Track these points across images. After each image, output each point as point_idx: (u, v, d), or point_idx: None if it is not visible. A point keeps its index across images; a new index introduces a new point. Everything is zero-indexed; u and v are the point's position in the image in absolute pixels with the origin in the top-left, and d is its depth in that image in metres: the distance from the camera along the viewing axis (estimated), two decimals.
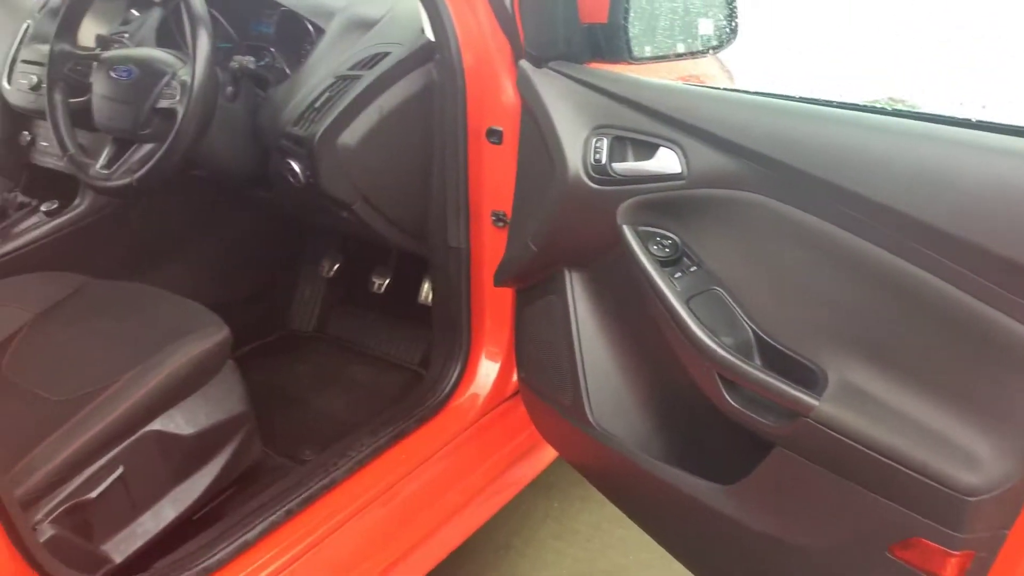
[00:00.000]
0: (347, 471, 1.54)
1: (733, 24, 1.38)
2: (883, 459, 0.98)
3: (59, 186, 1.94)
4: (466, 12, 1.55)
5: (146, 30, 1.90)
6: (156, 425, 1.42)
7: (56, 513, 1.27)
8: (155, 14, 1.92)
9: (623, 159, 1.25)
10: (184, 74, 1.58)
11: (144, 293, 1.69)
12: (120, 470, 1.36)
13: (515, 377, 1.72)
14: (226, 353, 1.55)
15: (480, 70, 1.57)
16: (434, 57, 1.59)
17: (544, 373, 1.52)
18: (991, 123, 0.96)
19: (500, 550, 2.02)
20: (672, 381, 1.28)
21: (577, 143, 1.30)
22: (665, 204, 1.22)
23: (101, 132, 1.70)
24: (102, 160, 1.67)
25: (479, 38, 1.56)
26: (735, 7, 1.37)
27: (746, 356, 1.11)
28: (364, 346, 2.22)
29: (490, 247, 1.68)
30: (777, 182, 1.08)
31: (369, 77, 1.60)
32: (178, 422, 1.45)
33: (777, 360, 1.11)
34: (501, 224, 1.64)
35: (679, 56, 1.44)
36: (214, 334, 1.52)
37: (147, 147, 1.65)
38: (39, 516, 1.26)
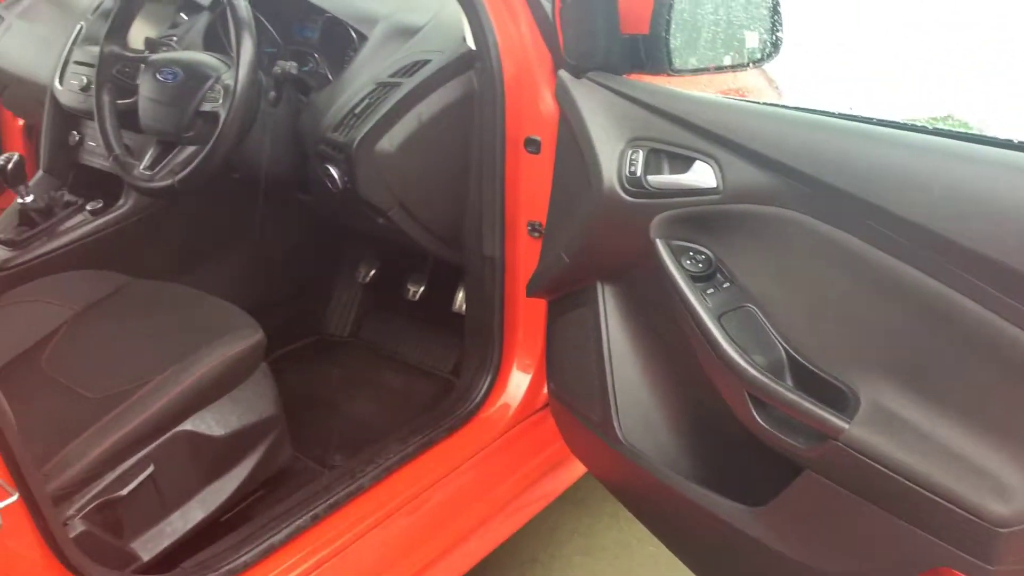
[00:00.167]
0: (374, 478, 1.54)
1: (776, 37, 1.36)
2: (913, 486, 0.95)
3: (105, 186, 1.97)
4: (508, 21, 1.54)
5: (194, 34, 1.94)
6: (188, 425, 1.43)
7: (87, 509, 1.29)
8: (203, 18, 1.96)
9: (658, 172, 1.24)
10: (228, 78, 1.60)
11: (182, 294, 1.71)
12: (151, 469, 1.38)
13: (546, 389, 1.70)
14: (260, 356, 1.56)
15: (520, 79, 1.56)
16: (474, 65, 1.59)
17: (574, 386, 1.50)
18: None
19: (525, 564, 2.00)
20: (702, 399, 1.25)
21: (613, 155, 1.28)
22: (699, 219, 1.20)
23: (146, 134, 1.72)
24: (146, 161, 1.70)
25: (520, 47, 1.55)
26: (779, 21, 1.35)
27: (777, 376, 1.09)
28: (397, 353, 2.22)
29: (525, 257, 1.67)
30: (813, 199, 1.06)
31: (409, 84, 1.60)
32: (209, 423, 1.46)
33: (809, 381, 1.08)
34: (537, 234, 1.63)
35: (720, 69, 1.42)
36: (248, 337, 1.53)
37: (189, 149, 1.68)
38: (71, 512, 1.27)
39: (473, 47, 1.58)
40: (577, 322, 1.47)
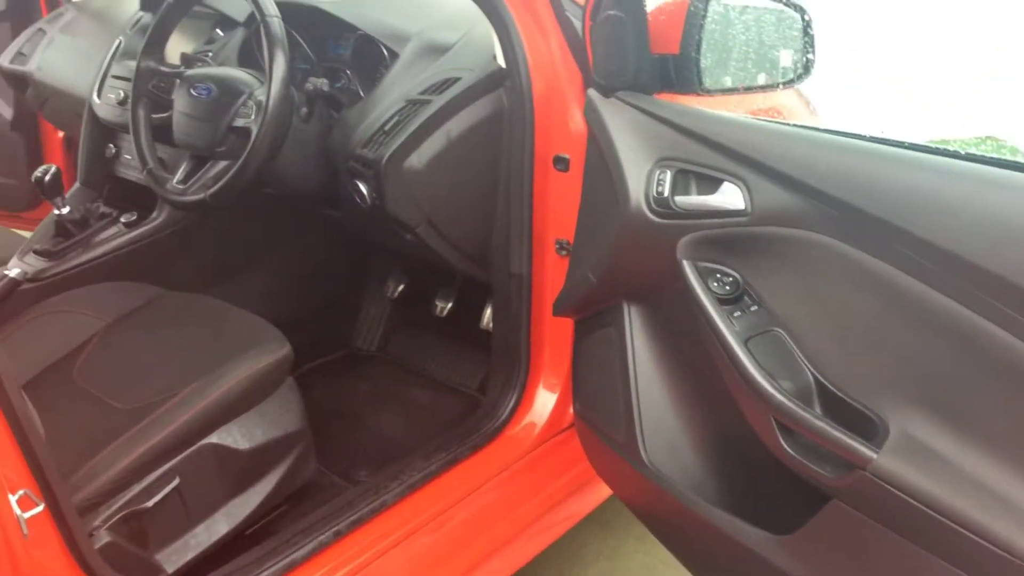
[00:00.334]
0: (397, 495, 1.54)
1: (808, 59, 1.34)
2: (944, 520, 0.92)
3: (139, 198, 2.00)
4: (538, 40, 1.55)
5: (229, 50, 1.97)
6: (214, 438, 1.44)
7: (113, 520, 1.30)
8: (238, 35, 1.99)
9: (686, 193, 1.23)
10: (260, 94, 1.62)
11: (212, 307, 1.73)
12: (176, 481, 1.39)
13: (572, 408, 1.69)
14: (286, 370, 1.57)
15: (549, 97, 1.56)
16: (504, 83, 1.60)
17: (599, 407, 1.49)
18: None
19: None
20: (728, 423, 1.24)
21: (640, 175, 1.28)
22: (727, 240, 1.19)
23: (180, 148, 1.75)
24: (179, 175, 1.72)
25: (550, 65, 1.55)
26: (811, 42, 1.33)
27: (805, 402, 1.07)
28: (424, 368, 2.22)
29: (552, 275, 1.66)
30: (843, 223, 1.04)
31: (439, 102, 1.61)
32: (235, 436, 1.47)
33: (837, 408, 1.06)
34: (564, 252, 1.62)
35: (749, 89, 1.41)
36: (276, 351, 1.54)
37: (222, 164, 1.70)
38: (97, 522, 1.29)
39: (503, 65, 1.58)
40: (603, 342, 1.46)
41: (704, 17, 1.32)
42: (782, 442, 1.08)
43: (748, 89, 1.40)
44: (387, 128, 1.63)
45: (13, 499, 0.96)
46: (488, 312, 2.05)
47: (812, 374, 1.09)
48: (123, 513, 1.32)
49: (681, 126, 1.25)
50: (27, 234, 2.12)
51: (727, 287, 1.17)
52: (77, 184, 2.11)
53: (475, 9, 1.56)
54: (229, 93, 1.64)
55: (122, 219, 1.97)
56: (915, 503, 0.94)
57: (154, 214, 1.97)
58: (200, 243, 2.03)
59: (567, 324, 1.64)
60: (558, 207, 1.61)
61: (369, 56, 1.86)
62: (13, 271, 1.80)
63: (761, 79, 1.42)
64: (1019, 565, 0.88)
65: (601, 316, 1.45)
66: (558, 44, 1.54)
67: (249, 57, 1.93)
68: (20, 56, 2.38)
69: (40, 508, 1.00)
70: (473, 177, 1.67)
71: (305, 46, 1.93)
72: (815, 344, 1.10)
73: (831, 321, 1.09)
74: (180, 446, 1.40)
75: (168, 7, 1.74)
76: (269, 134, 1.57)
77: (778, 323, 1.14)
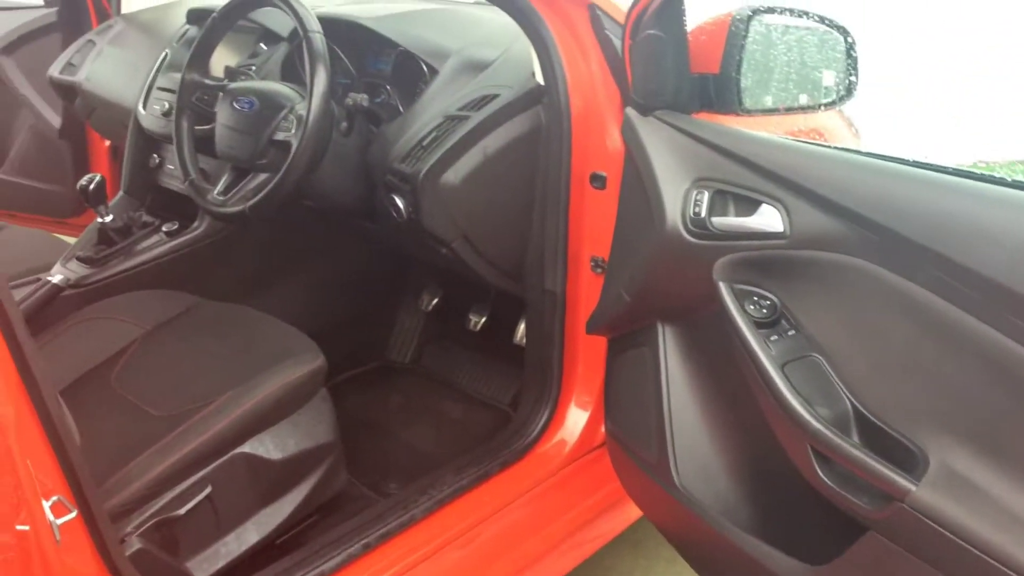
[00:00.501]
0: (427, 509, 1.54)
1: (851, 81, 1.33)
2: (983, 555, 0.90)
3: (181, 208, 2.03)
4: (577, 58, 1.55)
5: (272, 64, 1.99)
6: (246, 448, 1.45)
7: (144, 527, 1.31)
8: (282, 49, 2.01)
9: (723, 214, 1.22)
10: (301, 108, 1.64)
11: (249, 316, 1.75)
12: (209, 489, 1.40)
13: (604, 427, 1.68)
14: (320, 381, 1.57)
15: (587, 115, 1.56)
16: (542, 100, 1.60)
17: (631, 427, 1.48)
18: None
19: None
20: (763, 448, 1.22)
21: (677, 195, 1.27)
22: (765, 263, 1.17)
23: (221, 159, 1.77)
24: (219, 187, 1.74)
25: (588, 83, 1.55)
26: (854, 64, 1.32)
27: (842, 430, 1.05)
28: (457, 382, 2.23)
29: (587, 293, 1.66)
30: (884, 248, 1.02)
31: (477, 118, 1.61)
32: (268, 446, 1.48)
33: (875, 437, 1.04)
34: (600, 270, 1.62)
35: (790, 110, 1.39)
36: (310, 362, 1.55)
37: (262, 176, 1.72)
38: (128, 528, 1.30)
39: (542, 82, 1.58)
40: (636, 362, 1.44)
41: (745, 37, 1.31)
42: (818, 471, 1.06)
43: (789, 110, 1.39)
44: (425, 143, 1.63)
45: (47, 505, 0.98)
46: (521, 327, 2.04)
47: (850, 402, 1.07)
48: (155, 520, 1.33)
49: (720, 146, 1.24)
50: (71, 240, 2.16)
51: (764, 310, 1.15)
52: (121, 193, 2.15)
53: (515, 27, 1.56)
54: (271, 107, 1.66)
55: (164, 228, 2.00)
56: (954, 538, 0.92)
57: (195, 224, 1.99)
58: (239, 253, 2.05)
59: (600, 341, 1.63)
60: (594, 225, 1.61)
61: (409, 72, 1.87)
62: (56, 277, 1.84)
63: (802, 100, 1.40)
64: None
65: (635, 335, 1.44)
66: (597, 62, 1.54)
67: (291, 71, 1.95)
68: (70, 67, 2.43)
69: (73, 515, 1.01)
70: (509, 193, 1.67)
71: (346, 61, 1.95)
72: (853, 371, 1.08)
73: (870, 348, 1.07)
74: (213, 455, 1.41)
75: (214, 21, 1.77)
76: (309, 148, 1.59)
77: (816, 348, 1.12)
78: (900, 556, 0.99)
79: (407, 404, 2.19)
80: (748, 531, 1.26)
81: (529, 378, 1.79)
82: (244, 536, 1.46)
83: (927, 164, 1.04)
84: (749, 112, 1.34)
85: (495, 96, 1.63)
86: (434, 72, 1.79)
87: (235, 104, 1.70)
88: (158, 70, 2.12)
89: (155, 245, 1.97)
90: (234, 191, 1.73)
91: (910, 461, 0.99)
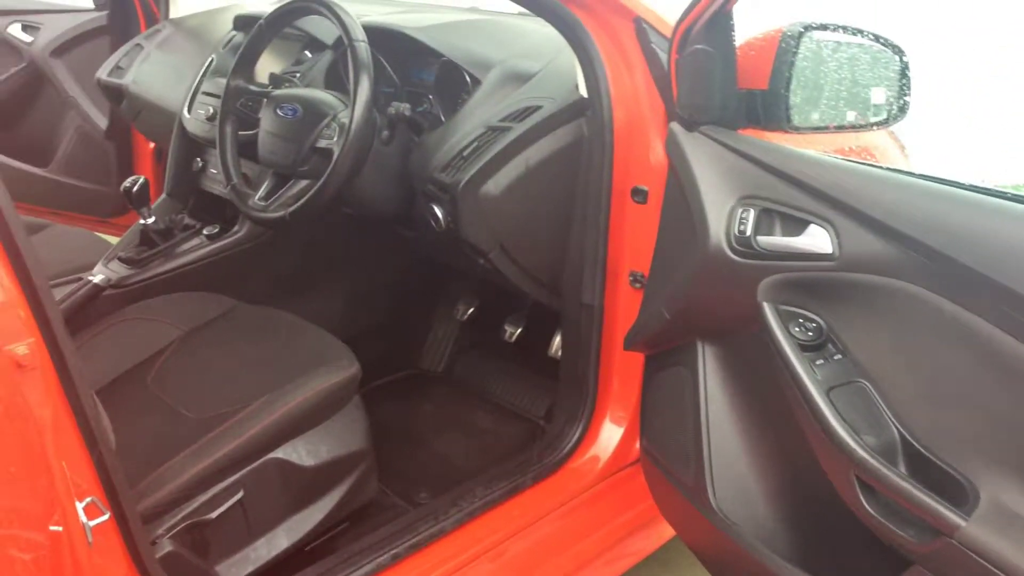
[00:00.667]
0: (457, 521, 1.53)
1: (903, 101, 1.30)
2: None
3: (222, 212, 2.04)
4: (622, 71, 1.53)
5: (316, 71, 2.00)
6: (279, 453, 1.45)
7: (176, 530, 1.32)
8: (326, 57, 2.02)
9: (769, 233, 1.19)
10: (344, 116, 1.64)
11: (285, 321, 1.75)
12: (240, 494, 1.40)
13: (638, 444, 1.65)
14: (354, 388, 1.57)
15: (630, 128, 1.55)
16: (585, 113, 1.59)
17: (667, 446, 1.45)
18: None
19: None
20: (805, 475, 1.19)
21: (722, 212, 1.24)
22: (811, 284, 1.14)
23: (263, 165, 1.78)
24: (261, 192, 1.75)
25: (632, 97, 1.54)
26: (908, 84, 1.29)
27: (889, 460, 1.02)
28: (489, 393, 2.21)
29: (625, 307, 1.64)
30: (937, 274, 0.99)
31: (519, 129, 1.60)
32: (300, 453, 1.48)
33: (923, 469, 1.01)
34: (638, 285, 1.59)
35: (840, 128, 1.36)
36: (344, 369, 1.55)
37: (303, 183, 1.72)
38: (160, 531, 1.30)
39: (585, 95, 1.57)
40: (674, 380, 1.42)
41: (795, 53, 1.29)
42: (863, 500, 1.03)
43: (839, 128, 1.36)
44: (466, 154, 1.63)
45: (80, 506, 0.98)
46: (557, 340, 2.03)
47: (898, 430, 1.04)
48: (186, 523, 1.33)
49: (767, 164, 1.21)
50: (113, 240, 2.18)
51: (810, 333, 1.13)
52: (164, 195, 2.17)
53: (559, 38, 1.55)
54: (314, 114, 1.67)
55: (204, 231, 2.01)
56: None
57: (235, 228, 2.01)
58: (278, 258, 2.06)
59: (636, 356, 1.61)
60: (634, 239, 1.59)
61: (452, 82, 1.87)
62: (97, 277, 1.85)
63: (852, 118, 1.37)
64: None
65: (674, 353, 1.42)
66: (642, 76, 1.52)
67: (335, 79, 1.96)
68: (118, 70, 2.47)
69: (106, 517, 1.01)
70: (549, 205, 1.66)
71: (390, 70, 1.95)
72: (902, 399, 1.05)
73: (920, 376, 1.04)
74: (246, 459, 1.41)
75: (260, 28, 1.78)
76: (350, 156, 1.59)
77: (863, 374, 1.09)
78: None
79: (439, 413, 2.18)
80: (786, 559, 1.23)
81: (563, 392, 1.77)
82: (274, 541, 1.46)
83: (985, 189, 1.01)
84: (798, 129, 1.32)
85: (538, 108, 1.62)
86: (477, 83, 1.79)
87: (279, 111, 1.71)
88: (204, 75, 2.14)
89: (196, 248, 1.99)
90: (275, 197, 1.73)
91: (960, 495, 0.96)
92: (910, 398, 1.05)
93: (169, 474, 1.34)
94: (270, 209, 1.71)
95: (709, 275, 1.26)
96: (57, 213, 2.88)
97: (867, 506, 1.03)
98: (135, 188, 1.89)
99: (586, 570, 1.69)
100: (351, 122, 1.58)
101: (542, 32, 1.79)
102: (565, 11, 1.49)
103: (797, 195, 1.16)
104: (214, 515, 1.36)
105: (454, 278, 2.34)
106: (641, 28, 1.49)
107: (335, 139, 1.63)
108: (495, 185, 1.60)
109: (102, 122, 2.81)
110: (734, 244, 1.22)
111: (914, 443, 1.03)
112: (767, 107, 1.31)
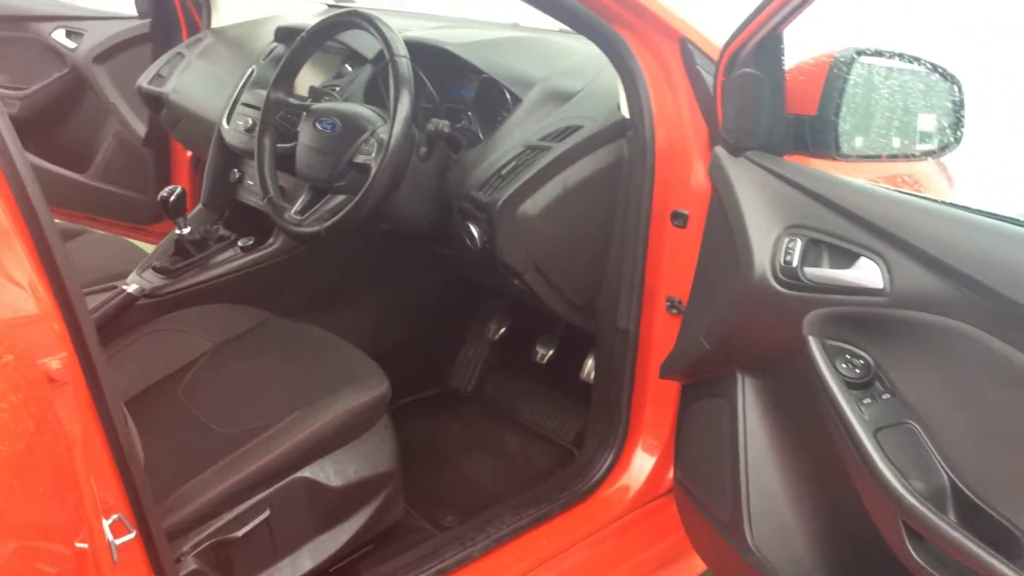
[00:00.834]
0: (483, 548, 1.50)
1: (958, 132, 1.26)
2: None
3: (257, 224, 2.04)
4: (666, 92, 1.51)
5: (356, 85, 1.99)
6: (306, 472, 1.43)
7: (201, 548, 1.30)
8: (366, 71, 2.02)
9: (817, 264, 1.16)
10: (382, 132, 1.63)
11: (317, 336, 1.74)
12: (267, 513, 1.38)
13: (671, 475, 1.62)
14: (383, 408, 1.55)
15: (672, 151, 1.52)
16: (626, 134, 1.56)
17: (702, 479, 1.42)
18: None
19: None
20: (848, 517, 1.14)
21: (767, 241, 1.21)
22: (860, 320, 1.10)
23: (300, 179, 1.77)
24: (297, 206, 1.74)
25: (676, 119, 1.51)
26: (962, 113, 1.25)
27: (939, 507, 0.97)
28: (519, 414, 2.18)
29: (661, 334, 1.60)
30: (993, 314, 0.95)
31: (558, 149, 1.58)
32: (328, 472, 1.46)
33: (974, 517, 0.96)
34: (675, 311, 1.56)
35: (892, 157, 1.32)
36: (375, 387, 1.53)
37: (339, 198, 1.71)
38: (185, 548, 1.29)
39: (627, 115, 1.54)
40: (712, 411, 1.38)
41: (846, 80, 1.25)
42: (910, 548, 0.99)
43: (891, 157, 1.32)
44: (504, 172, 1.61)
45: (107, 524, 0.96)
46: (590, 363, 2.00)
47: (948, 476, 1.00)
48: (211, 541, 1.32)
49: (816, 192, 1.18)
50: (148, 247, 2.19)
51: (857, 370, 1.09)
52: (200, 205, 2.17)
53: (601, 57, 1.53)
54: (353, 129, 1.66)
55: (239, 243, 2.01)
56: None
57: (270, 240, 2.00)
58: (311, 272, 2.06)
59: (672, 385, 1.57)
60: (672, 264, 1.56)
61: (491, 99, 1.85)
62: (131, 286, 1.86)
63: (903, 147, 1.33)
64: None
65: (712, 384, 1.38)
66: (686, 97, 1.49)
67: (375, 93, 1.95)
68: (158, 78, 2.48)
69: (132, 535, 1.00)
70: (587, 227, 1.63)
71: (430, 86, 1.94)
72: (953, 443, 1.01)
73: (973, 420, 0.99)
74: (273, 478, 1.39)
75: (302, 41, 1.78)
76: (388, 172, 1.57)
77: (912, 416, 1.04)
78: None
79: (467, 433, 2.16)
80: None
81: (595, 417, 1.74)
82: (299, 563, 1.44)
83: None
84: (846, 157, 1.28)
85: (578, 128, 1.60)
86: (517, 100, 1.77)
87: (317, 125, 1.70)
88: (244, 86, 2.14)
89: (230, 259, 1.98)
90: (311, 211, 1.72)
91: (1013, 547, 0.91)
92: (962, 442, 1.00)
93: (196, 490, 1.33)
94: (306, 223, 1.70)
95: (752, 305, 1.23)
96: (93, 218, 2.90)
97: (914, 554, 0.99)
98: (172, 198, 1.90)
99: None
100: (390, 138, 1.56)
101: (584, 50, 1.77)
102: (608, 29, 1.47)
103: (846, 226, 1.12)
104: (240, 533, 1.35)
105: (487, 297, 2.32)
106: (686, 49, 1.46)
107: (373, 155, 1.61)
108: (533, 205, 1.58)
109: (141, 130, 2.82)
110: (779, 275, 1.18)
111: (965, 490, 0.98)
112: (815, 133, 1.28)
